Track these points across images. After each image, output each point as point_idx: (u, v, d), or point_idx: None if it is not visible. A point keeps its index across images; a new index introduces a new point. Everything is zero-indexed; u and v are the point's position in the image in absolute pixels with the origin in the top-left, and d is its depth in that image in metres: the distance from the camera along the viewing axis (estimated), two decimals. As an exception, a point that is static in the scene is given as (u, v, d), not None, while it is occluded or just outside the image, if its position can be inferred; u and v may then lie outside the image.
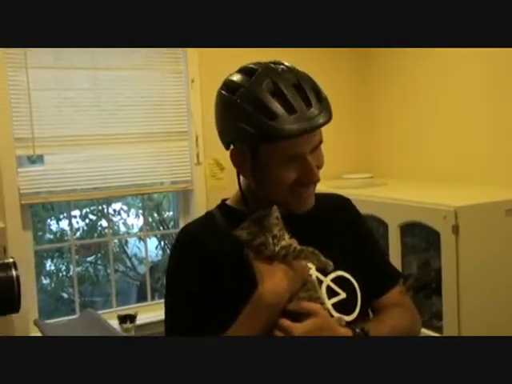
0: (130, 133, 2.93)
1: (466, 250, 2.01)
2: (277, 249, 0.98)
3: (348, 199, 1.28)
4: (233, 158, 1.09)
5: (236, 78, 1.06)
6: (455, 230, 1.99)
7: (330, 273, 1.08)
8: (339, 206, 1.25)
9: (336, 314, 1.05)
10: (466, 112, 2.74)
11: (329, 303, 1.07)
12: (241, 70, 1.07)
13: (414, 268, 2.49)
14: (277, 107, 0.98)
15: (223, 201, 1.20)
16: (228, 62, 3.20)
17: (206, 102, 3.05)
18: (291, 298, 0.99)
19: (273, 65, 1.05)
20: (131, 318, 2.83)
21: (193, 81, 3.00)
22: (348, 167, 3.25)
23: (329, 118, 1.01)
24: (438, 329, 2.13)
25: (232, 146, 1.09)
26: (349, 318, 1.08)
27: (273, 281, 0.97)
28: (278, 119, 0.97)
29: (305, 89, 1.01)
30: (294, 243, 1.00)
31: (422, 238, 2.45)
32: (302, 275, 1.01)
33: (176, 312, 1.09)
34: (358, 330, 1.03)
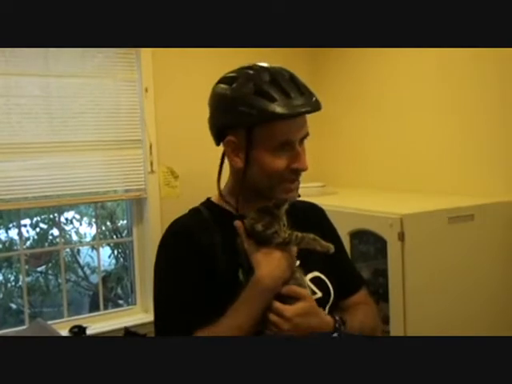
0: (82, 140, 2.90)
1: (411, 256, 2.07)
2: (286, 235, 1.07)
3: (322, 209, 1.38)
4: (228, 145, 1.15)
5: (233, 73, 1.15)
6: (401, 237, 2.06)
7: (308, 273, 1.17)
8: (314, 213, 1.36)
9: None
10: (411, 122, 2.85)
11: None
12: (239, 68, 1.16)
13: (364, 274, 2.55)
14: (275, 92, 1.08)
15: (208, 199, 1.26)
16: (181, 72, 3.25)
17: (160, 111, 3.06)
18: (282, 284, 1.08)
19: (267, 64, 1.16)
20: (82, 329, 2.79)
21: (146, 90, 3.00)
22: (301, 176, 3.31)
23: (320, 106, 1.13)
24: (386, 333, 2.19)
25: (228, 137, 1.14)
26: None
27: (270, 267, 1.06)
28: (275, 102, 1.07)
29: (298, 81, 1.12)
30: (296, 231, 1.09)
31: (370, 245, 2.52)
32: (293, 263, 1.10)
33: (171, 300, 1.11)
34: (337, 318, 1.13)
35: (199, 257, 1.12)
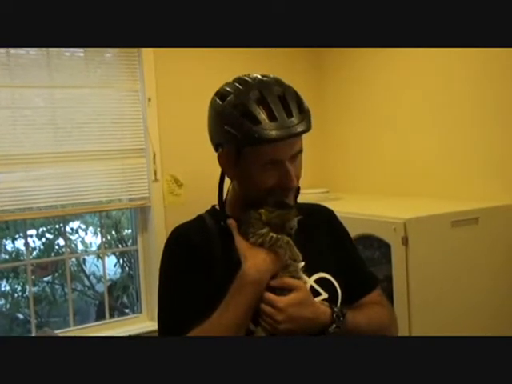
0: (86, 150, 2.93)
1: (415, 261, 2.08)
2: (260, 236, 1.09)
3: (331, 210, 1.37)
4: (220, 159, 1.17)
5: (228, 87, 1.14)
6: (405, 241, 2.07)
7: (314, 274, 1.17)
8: (323, 214, 1.34)
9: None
10: (415, 127, 2.86)
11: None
12: (234, 80, 1.16)
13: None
14: (260, 114, 1.06)
15: (213, 206, 1.27)
16: (184, 82, 3.28)
17: (163, 120, 3.08)
18: (274, 276, 1.08)
19: (262, 77, 1.14)
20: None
21: (149, 99, 3.03)
22: (305, 182, 3.32)
23: (307, 128, 1.10)
24: (391, 336, 2.19)
25: (220, 149, 1.16)
26: None
27: (255, 260, 1.07)
28: (260, 125, 1.05)
29: (288, 100, 1.10)
30: (272, 233, 1.09)
31: (374, 249, 2.53)
32: (282, 258, 1.09)
33: (169, 303, 1.14)
34: (335, 309, 1.12)
35: (198, 262, 1.14)
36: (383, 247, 2.30)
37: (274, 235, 1.08)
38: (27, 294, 4.06)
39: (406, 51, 2.82)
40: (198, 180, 3.08)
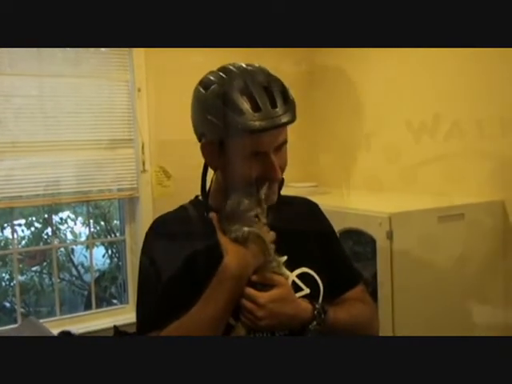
0: (75, 140, 2.91)
1: (399, 255, 2.08)
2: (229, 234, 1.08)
3: (315, 204, 1.36)
4: (203, 149, 1.16)
5: (212, 75, 1.13)
6: (389, 235, 2.07)
7: (296, 269, 1.16)
8: (307, 209, 1.33)
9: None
10: (401, 123, 2.86)
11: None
12: (218, 69, 1.14)
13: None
14: (244, 104, 1.04)
15: (197, 196, 1.26)
16: (174, 72, 3.26)
17: (153, 111, 3.07)
18: (257, 271, 1.07)
19: (246, 66, 1.13)
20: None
21: (139, 90, 3.02)
22: (294, 176, 3.32)
23: (291, 119, 1.08)
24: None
25: (203, 139, 1.14)
26: None
27: (237, 254, 1.05)
28: (243, 115, 1.03)
29: (272, 90, 1.08)
30: (245, 228, 1.07)
31: (360, 244, 2.54)
32: (265, 252, 1.08)
33: (149, 297, 1.13)
34: (317, 306, 1.11)
35: (179, 253, 1.12)
36: (369, 242, 2.30)
37: (246, 229, 1.06)
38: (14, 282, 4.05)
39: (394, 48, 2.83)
40: (187, 171, 3.04)
